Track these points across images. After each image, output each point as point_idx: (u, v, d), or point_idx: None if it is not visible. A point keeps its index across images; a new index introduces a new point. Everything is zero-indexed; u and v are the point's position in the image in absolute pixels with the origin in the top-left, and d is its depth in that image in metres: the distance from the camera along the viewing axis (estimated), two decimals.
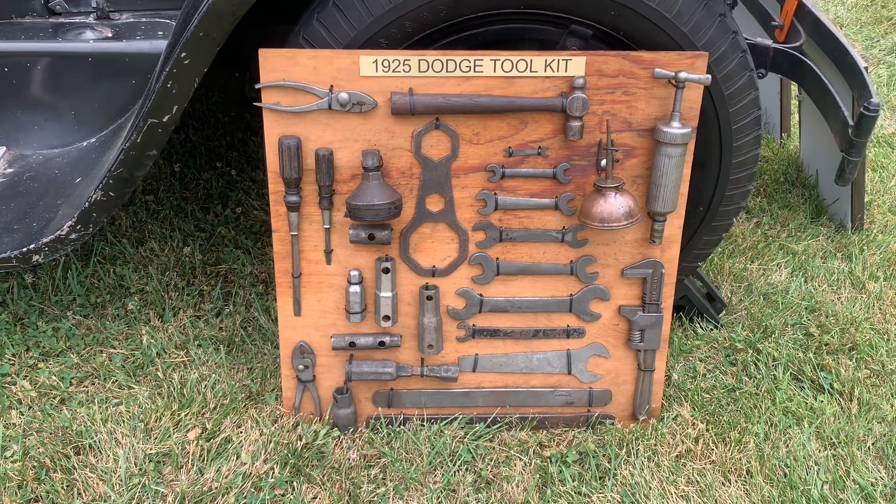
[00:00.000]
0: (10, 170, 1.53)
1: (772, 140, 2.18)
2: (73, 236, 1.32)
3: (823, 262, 1.74)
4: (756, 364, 1.51)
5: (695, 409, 1.42)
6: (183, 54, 1.14)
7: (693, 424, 1.39)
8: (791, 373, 1.49)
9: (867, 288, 1.67)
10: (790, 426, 1.40)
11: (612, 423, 1.42)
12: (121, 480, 1.28)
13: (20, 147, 1.57)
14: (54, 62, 1.52)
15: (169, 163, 2.03)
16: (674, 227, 1.30)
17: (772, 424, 1.39)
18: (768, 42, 1.61)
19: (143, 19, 1.57)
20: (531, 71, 1.18)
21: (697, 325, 1.60)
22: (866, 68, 1.51)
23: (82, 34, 1.53)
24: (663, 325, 1.37)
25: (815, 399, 1.44)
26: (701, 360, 1.53)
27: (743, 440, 1.36)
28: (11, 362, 1.50)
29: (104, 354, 1.52)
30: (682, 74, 1.17)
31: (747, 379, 1.49)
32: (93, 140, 1.53)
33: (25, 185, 1.48)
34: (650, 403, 1.42)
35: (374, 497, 1.27)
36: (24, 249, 1.32)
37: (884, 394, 1.46)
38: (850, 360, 1.51)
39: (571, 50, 1.22)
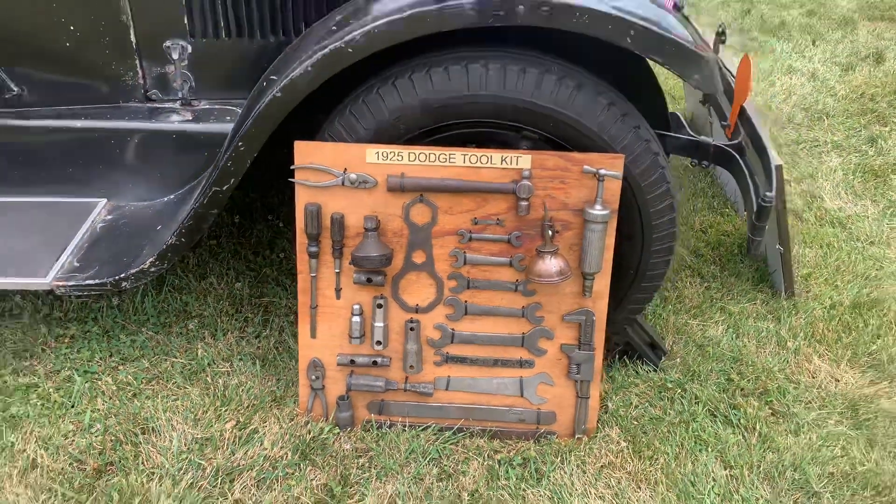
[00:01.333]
0: (110, 217, 2.00)
1: (735, 217, 2.53)
2: (152, 269, 1.77)
3: (755, 322, 2.08)
4: (681, 400, 1.86)
5: (622, 432, 1.77)
6: (240, 143, 1.60)
7: (617, 443, 1.74)
8: (708, 409, 1.83)
9: (787, 345, 2.00)
10: (699, 450, 1.73)
11: (554, 438, 1.78)
12: (173, 455, 1.71)
13: (117, 199, 2.04)
14: (148, 136, 2.00)
15: (231, 215, 2.50)
16: (601, 284, 1.68)
17: (682, 447, 1.73)
18: (710, 140, 2.00)
19: (217, 106, 2.05)
20: (491, 163, 1.59)
21: (639, 367, 1.96)
22: (779, 166, 1.87)
23: (170, 117, 2.01)
24: (595, 361, 1.74)
25: (723, 430, 1.78)
26: (636, 395, 1.88)
27: (655, 457, 1.70)
28: (99, 364, 1.96)
29: (168, 362, 1.97)
30: (602, 171, 1.57)
31: (672, 412, 1.83)
32: (172, 196, 2.00)
33: (120, 229, 1.95)
34: (586, 424, 1.78)
35: (360, 479, 1.66)
36: (116, 278, 1.78)
37: (781, 430, 1.78)
38: (758, 402, 1.84)
39: (522, 149, 1.63)
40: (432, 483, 1.65)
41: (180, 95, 2.03)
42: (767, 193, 1.73)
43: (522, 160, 1.59)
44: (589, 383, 1.75)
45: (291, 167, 1.61)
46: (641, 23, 1.45)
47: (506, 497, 1.63)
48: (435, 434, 1.76)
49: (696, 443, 1.75)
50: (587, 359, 1.73)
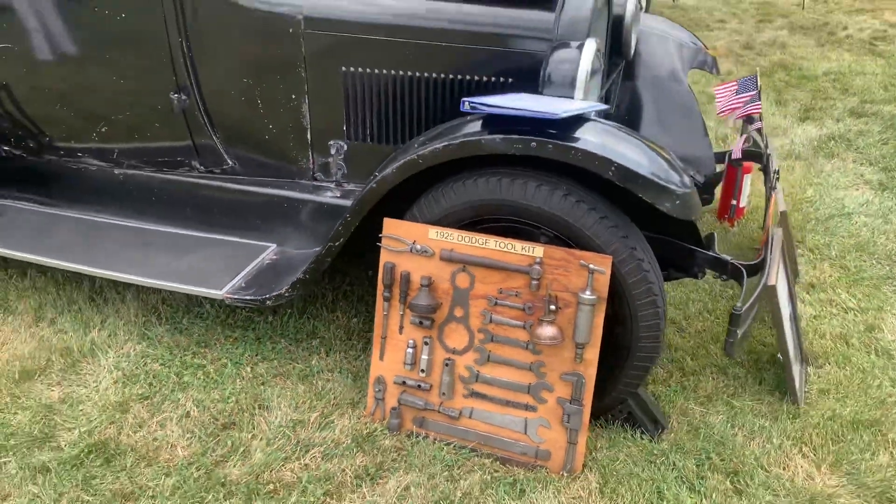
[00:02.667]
0: (275, 257, 2.81)
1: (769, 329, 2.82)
2: (286, 294, 2.51)
3: (752, 418, 2.39)
4: (659, 465, 2.24)
5: (599, 477, 2.20)
6: (347, 215, 2.32)
7: (591, 483, 2.18)
8: (679, 476, 2.20)
9: (773, 440, 2.30)
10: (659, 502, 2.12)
11: (545, 471, 2.25)
12: (274, 426, 2.41)
13: (284, 245, 2.83)
14: (310, 205, 2.80)
15: (367, 270, 3.25)
16: (591, 354, 2.16)
17: (643, 498, 2.13)
18: (727, 258, 2.42)
19: (359, 188, 2.81)
20: (514, 250, 2.17)
21: (637, 434, 2.36)
22: (772, 287, 2.24)
23: (326, 193, 2.80)
24: (583, 415, 2.20)
25: (684, 493, 2.14)
26: (624, 453, 2.29)
27: (616, 500, 2.11)
28: (247, 359, 2.74)
29: (291, 365, 2.71)
30: (592, 266, 2.08)
31: (647, 472, 2.23)
32: (313, 248, 2.78)
33: (278, 266, 2.74)
34: (572, 464, 2.23)
35: (390, 469, 2.25)
36: (263, 297, 2.53)
37: (736, 502, 2.11)
38: (725, 478, 2.17)
39: (539, 242, 2.19)
40: (439, 481, 2.20)
41: (335, 178, 2.83)
42: (738, 305, 2.13)
43: (537, 250, 2.15)
44: (577, 432, 2.22)
45: (379, 235, 2.31)
46: (620, 160, 1.99)
47: (489, 502, 2.13)
48: (454, 449, 2.31)
49: (656, 497, 2.13)
50: (577, 412, 2.20)
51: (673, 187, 2.03)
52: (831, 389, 2.52)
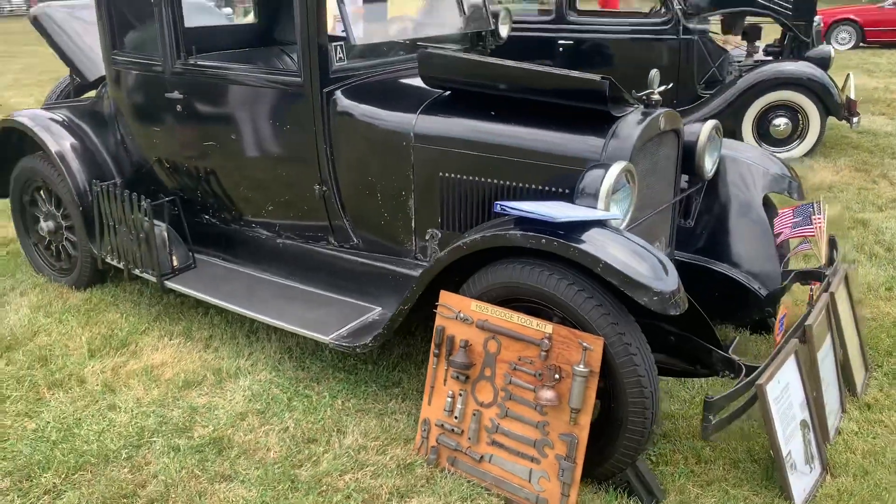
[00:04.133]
0: (376, 317, 3.50)
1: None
2: (369, 344, 3.17)
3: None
4: None
5: None
6: (413, 285, 2.97)
7: None
8: None
9: None
10: None
11: None
12: (343, 447, 3.05)
13: (385, 308, 3.53)
14: (409, 278, 3.50)
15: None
16: (584, 419, 2.57)
17: None
18: (735, 358, 2.72)
19: None
20: (531, 325, 2.67)
21: (633, 501, 2.69)
22: (760, 385, 2.52)
23: (418, 270, 3.48)
24: (575, 471, 2.59)
25: None
26: None
27: None
28: (343, 393, 3.43)
29: (372, 405, 3.34)
30: (586, 344, 2.53)
31: None
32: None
33: (374, 324, 3.42)
34: None
35: (419, 491, 2.78)
36: (355, 345, 3.23)
37: None
38: None
39: (551, 321, 2.67)
40: None
41: (430, 259, 3.50)
42: (710, 394, 2.44)
43: (547, 327, 2.64)
44: (569, 486, 2.61)
45: (436, 303, 2.92)
46: (607, 259, 2.45)
47: None
48: (472, 486, 2.79)
49: None
50: (570, 468, 2.60)
51: (651, 284, 2.44)
52: (835, 495, 2.66)
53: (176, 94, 3.83)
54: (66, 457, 3.02)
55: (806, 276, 3.35)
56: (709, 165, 3.54)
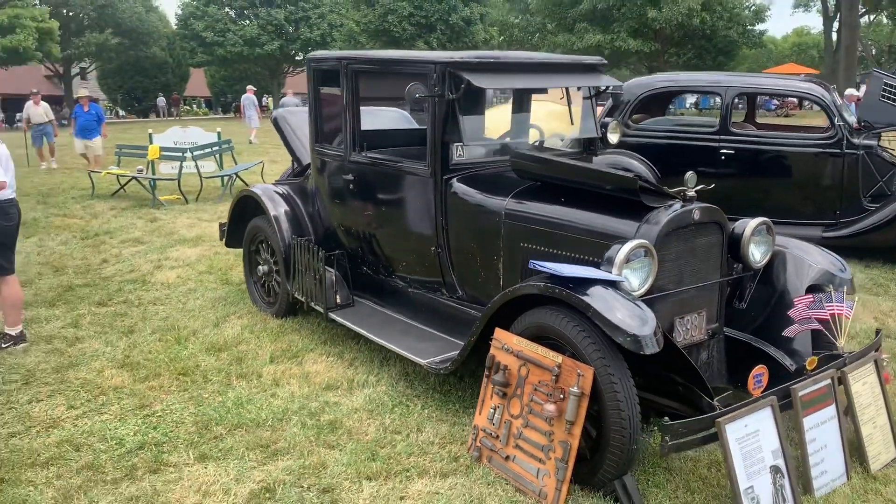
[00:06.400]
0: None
1: None
2: (449, 368, 4.17)
3: None
4: None
5: None
6: (477, 322, 3.93)
7: None
8: None
9: None
10: None
11: (543, 501, 3.41)
12: (419, 440, 4.04)
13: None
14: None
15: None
16: (576, 430, 3.34)
17: None
18: (715, 403, 3.35)
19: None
20: (548, 356, 3.52)
21: None
22: (718, 421, 3.14)
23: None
24: (567, 471, 3.35)
25: None
26: None
27: None
28: (430, 407, 4.42)
29: (452, 415, 4.30)
30: (579, 371, 3.33)
31: None
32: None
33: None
34: (557, 502, 3.36)
35: (456, 472, 3.68)
36: (439, 368, 4.24)
37: None
38: None
39: (563, 353, 3.49)
40: (477, 487, 3.56)
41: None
42: (666, 418, 3.13)
43: (558, 358, 3.48)
44: (562, 482, 3.37)
45: (491, 337, 3.86)
46: (596, 306, 3.26)
47: None
48: (496, 477, 3.63)
49: None
50: (563, 468, 3.37)
51: (626, 328, 3.21)
52: None
53: (350, 177, 5.23)
54: (233, 418, 4.32)
55: (829, 359, 3.81)
56: (757, 256, 4.16)
